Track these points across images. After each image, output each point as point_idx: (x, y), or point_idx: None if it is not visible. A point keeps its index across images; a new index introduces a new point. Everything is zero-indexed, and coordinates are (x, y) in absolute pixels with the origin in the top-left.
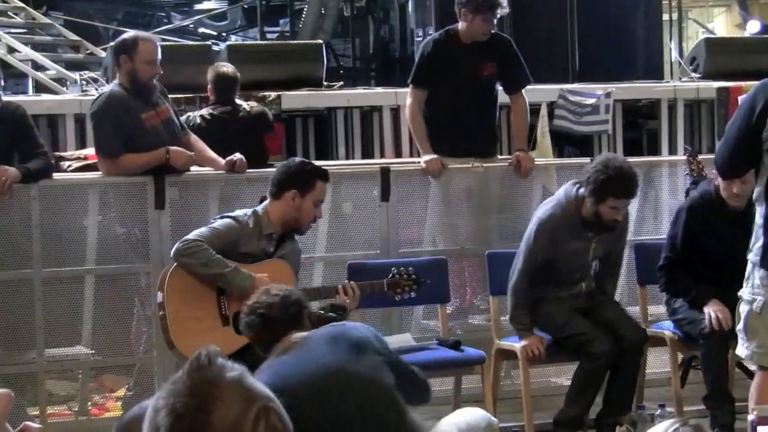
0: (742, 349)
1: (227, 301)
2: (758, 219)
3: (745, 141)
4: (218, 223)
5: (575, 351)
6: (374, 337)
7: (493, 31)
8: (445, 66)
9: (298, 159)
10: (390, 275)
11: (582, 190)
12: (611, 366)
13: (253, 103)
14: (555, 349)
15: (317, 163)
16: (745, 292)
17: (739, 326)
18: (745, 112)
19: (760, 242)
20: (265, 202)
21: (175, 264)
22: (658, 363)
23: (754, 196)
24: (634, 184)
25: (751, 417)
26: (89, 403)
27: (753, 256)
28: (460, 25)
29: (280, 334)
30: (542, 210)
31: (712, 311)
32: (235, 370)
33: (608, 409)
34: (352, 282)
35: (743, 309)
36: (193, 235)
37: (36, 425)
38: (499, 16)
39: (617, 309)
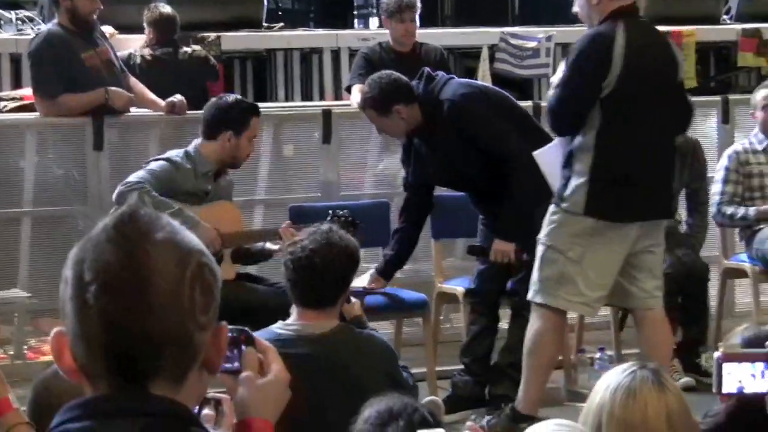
0: None
1: None
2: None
3: (593, 93)
4: (153, 165)
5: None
6: None
7: (424, 43)
8: None
9: (230, 97)
10: (328, 218)
11: None
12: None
13: (196, 47)
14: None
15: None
16: None
17: None
18: (592, 65)
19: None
20: (197, 141)
21: (117, 207)
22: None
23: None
24: None
25: (717, 354)
26: (25, 347)
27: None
28: (389, 35)
29: None
30: None
31: None
32: (162, 225)
33: None
34: (287, 223)
35: None
36: (133, 177)
37: None
38: (416, 15)
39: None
